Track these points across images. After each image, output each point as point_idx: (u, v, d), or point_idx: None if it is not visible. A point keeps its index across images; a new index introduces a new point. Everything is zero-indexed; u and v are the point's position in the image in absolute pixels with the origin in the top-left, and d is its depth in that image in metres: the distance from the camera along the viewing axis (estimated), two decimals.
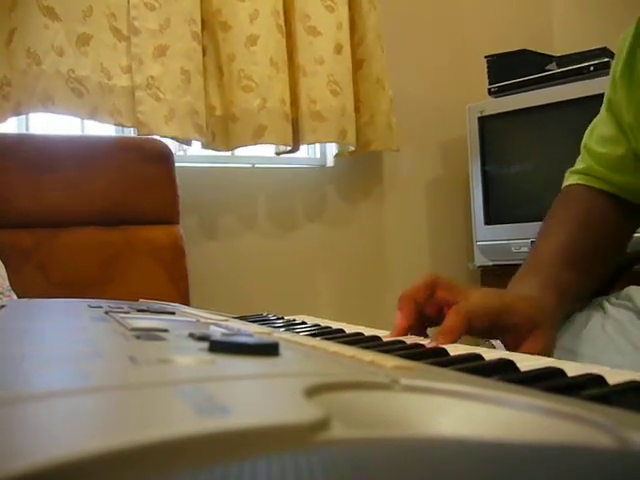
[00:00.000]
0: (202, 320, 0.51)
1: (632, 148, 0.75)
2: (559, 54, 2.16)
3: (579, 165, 0.81)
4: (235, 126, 1.78)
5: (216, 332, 0.40)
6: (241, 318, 0.67)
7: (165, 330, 0.36)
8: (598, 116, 0.81)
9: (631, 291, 0.70)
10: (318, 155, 2.14)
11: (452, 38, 2.35)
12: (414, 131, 2.16)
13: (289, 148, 1.90)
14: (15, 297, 1.27)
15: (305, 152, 2.09)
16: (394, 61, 2.06)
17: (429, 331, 0.57)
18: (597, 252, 0.73)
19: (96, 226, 1.59)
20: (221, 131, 1.80)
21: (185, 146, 1.85)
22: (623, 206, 0.76)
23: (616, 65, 0.77)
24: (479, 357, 0.39)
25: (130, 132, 1.76)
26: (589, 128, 0.81)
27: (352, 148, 2.00)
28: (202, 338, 0.32)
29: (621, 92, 0.75)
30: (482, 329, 0.54)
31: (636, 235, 0.79)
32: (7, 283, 1.31)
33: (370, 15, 2.00)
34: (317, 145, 2.12)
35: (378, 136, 2.00)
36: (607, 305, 0.70)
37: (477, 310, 0.54)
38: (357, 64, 2.00)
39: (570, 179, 0.81)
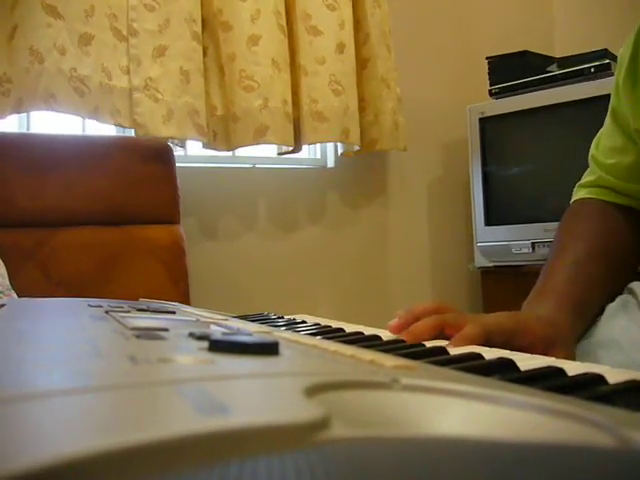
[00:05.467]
0: (202, 319, 0.51)
1: None
2: (560, 56, 2.16)
3: (588, 177, 0.80)
4: (236, 126, 1.78)
5: (216, 331, 0.39)
6: (241, 317, 0.67)
7: (165, 329, 0.36)
8: (603, 127, 0.80)
9: (634, 286, 0.70)
10: (318, 156, 2.14)
11: (453, 39, 2.35)
12: (415, 132, 2.16)
13: (291, 148, 1.90)
14: (15, 296, 1.27)
15: (306, 153, 2.09)
16: (395, 62, 2.05)
17: None
18: (612, 269, 0.72)
19: (96, 226, 1.59)
20: (222, 131, 1.80)
21: (179, 148, 1.84)
22: (636, 217, 0.76)
23: (618, 74, 0.76)
24: (479, 356, 0.39)
25: (131, 132, 1.76)
26: (595, 140, 0.81)
27: (357, 147, 1.99)
28: (202, 337, 0.32)
29: (625, 99, 0.75)
30: (498, 347, 0.53)
31: None
32: (7, 282, 1.31)
33: (375, 14, 1.99)
34: (317, 145, 2.12)
35: (384, 135, 2.00)
36: None
37: (495, 327, 0.53)
38: (362, 63, 1.99)
39: (580, 193, 0.80)
